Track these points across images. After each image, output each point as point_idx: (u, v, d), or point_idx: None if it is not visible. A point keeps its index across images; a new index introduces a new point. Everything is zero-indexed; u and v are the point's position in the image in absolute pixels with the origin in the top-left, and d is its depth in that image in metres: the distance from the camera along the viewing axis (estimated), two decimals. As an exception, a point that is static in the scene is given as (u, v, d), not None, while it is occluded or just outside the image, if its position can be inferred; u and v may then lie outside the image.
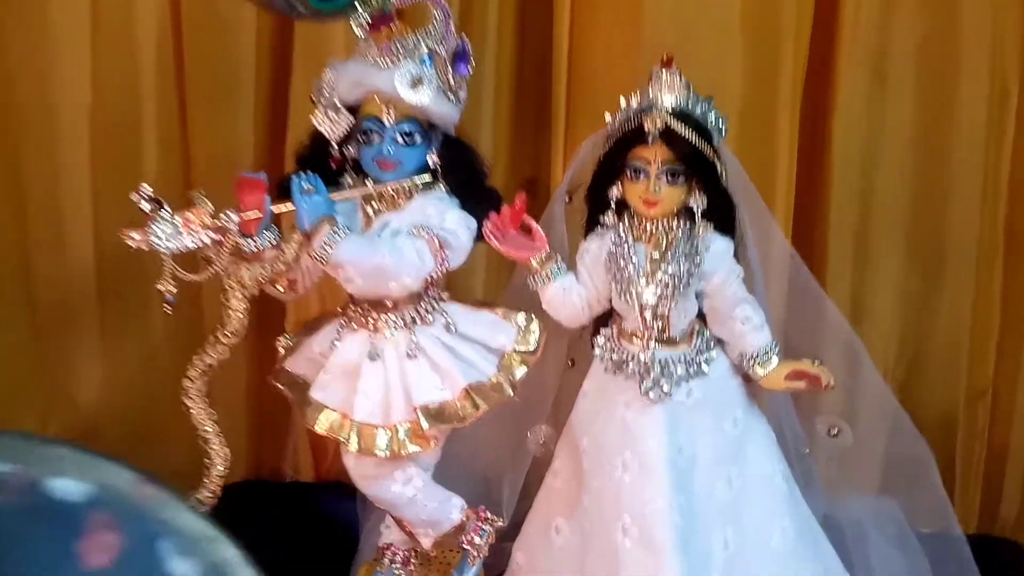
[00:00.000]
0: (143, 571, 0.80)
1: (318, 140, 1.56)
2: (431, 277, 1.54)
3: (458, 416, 1.53)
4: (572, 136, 1.97)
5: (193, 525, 0.80)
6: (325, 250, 1.46)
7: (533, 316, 1.63)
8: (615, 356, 1.58)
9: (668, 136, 1.47)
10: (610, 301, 1.59)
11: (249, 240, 1.44)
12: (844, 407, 1.76)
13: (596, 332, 1.63)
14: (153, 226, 1.39)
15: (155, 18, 1.97)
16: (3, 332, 2.02)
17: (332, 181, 1.54)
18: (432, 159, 1.55)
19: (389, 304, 1.56)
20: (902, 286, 2.06)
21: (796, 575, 1.60)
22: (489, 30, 2.03)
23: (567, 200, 1.69)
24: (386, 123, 1.52)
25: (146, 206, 1.39)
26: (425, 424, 1.52)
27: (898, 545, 1.76)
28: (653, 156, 1.48)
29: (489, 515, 1.70)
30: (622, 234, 1.55)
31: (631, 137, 1.50)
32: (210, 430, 1.53)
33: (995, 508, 2.08)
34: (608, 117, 1.56)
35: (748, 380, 1.60)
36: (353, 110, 1.54)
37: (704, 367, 1.57)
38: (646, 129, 1.47)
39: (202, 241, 1.41)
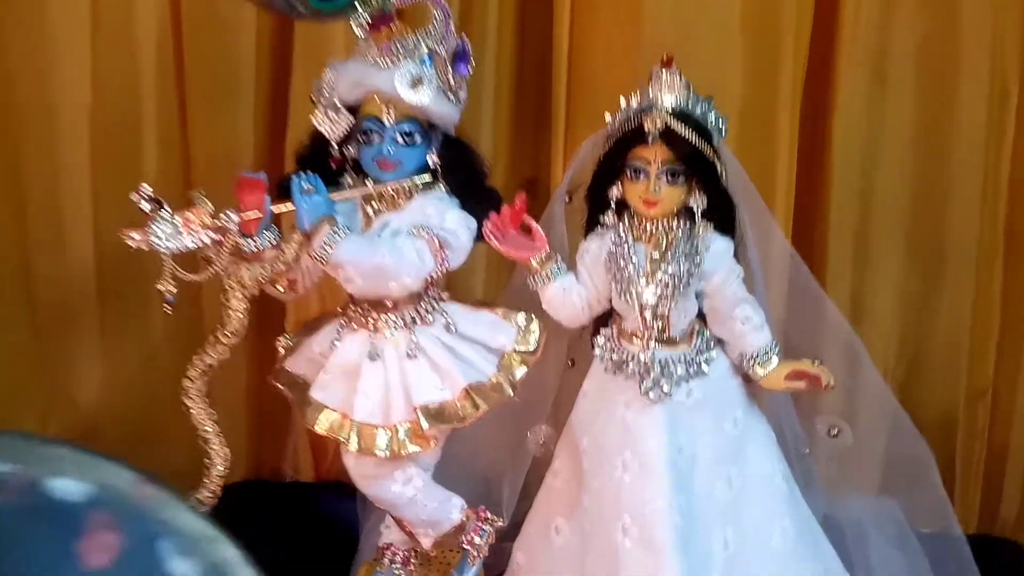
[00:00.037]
0: (143, 571, 0.80)
1: (318, 140, 1.56)
2: (431, 277, 1.54)
3: (458, 416, 1.53)
4: (572, 136, 1.97)
5: (193, 525, 0.80)
6: (325, 250, 1.46)
7: (533, 316, 1.63)
8: (615, 356, 1.58)
9: (668, 136, 1.47)
10: (610, 301, 1.59)
11: (249, 240, 1.44)
12: (844, 407, 1.76)
13: (596, 332, 1.63)
14: (153, 226, 1.39)
15: (155, 18, 1.97)
16: (3, 332, 2.02)
17: (332, 181, 1.54)
18: (432, 159, 1.55)
19: (389, 304, 1.56)
20: (902, 286, 2.06)
21: (796, 575, 1.60)
22: (489, 30, 2.02)
23: (567, 200, 1.69)
24: (386, 123, 1.52)
25: (146, 206, 1.39)
26: (425, 424, 1.52)
27: (898, 545, 1.76)
28: (653, 156, 1.48)
29: (489, 515, 1.70)
30: (622, 234, 1.55)
31: (631, 137, 1.50)
32: (210, 430, 1.53)
33: (995, 508, 2.07)
34: (608, 117, 1.56)
35: (748, 380, 1.60)
36: (353, 110, 1.54)
37: (704, 367, 1.57)
38: (646, 129, 1.47)
39: (202, 241, 1.41)
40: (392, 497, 1.61)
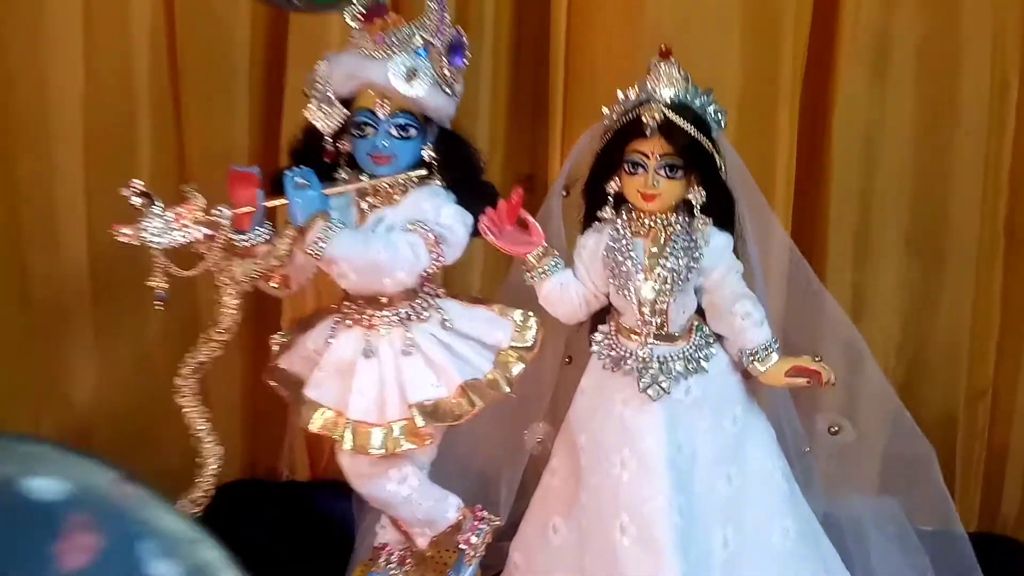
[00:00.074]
0: (123, 573, 0.78)
1: (312, 134, 1.54)
2: (426, 273, 1.53)
3: (454, 413, 1.52)
4: (569, 130, 1.96)
5: (175, 526, 0.78)
6: (318, 245, 1.44)
7: (530, 312, 1.62)
8: (613, 353, 1.56)
9: (666, 129, 1.46)
10: (608, 297, 1.58)
11: (242, 235, 1.43)
12: (844, 404, 1.76)
13: (594, 328, 1.61)
14: (144, 221, 1.38)
15: (149, 13, 1.96)
16: (-4, 331, 2.01)
17: (327, 176, 1.53)
18: (427, 153, 1.54)
19: (384, 300, 1.54)
20: (902, 285, 2.06)
21: (796, 574, 1.59)
22: (486, 21, 2.02)
23: (564, 194, 1.68)
24: (380, 116, 1.51)
25: (137, 201, 1.37)
26: (420, 422, 1.50)
27: (898, 543, 1.75)
28: (651, 150, 1.47)
29: (486, 514, 1.69)
30: (620, 229, 1.54)
31: (629, 130, 1.49)
32: (203, 428, 1.52)
33: (995, 508, 2.07)
34: (606, 110, 1.55)
35: (748, 377, 1.59)
36: (347, 103, 1.52)
37: (703, 363, 1.55)
38: (644, 122, 1.45)
39: (194, 236, 1.40)
40: (387, 496, 1.59)
